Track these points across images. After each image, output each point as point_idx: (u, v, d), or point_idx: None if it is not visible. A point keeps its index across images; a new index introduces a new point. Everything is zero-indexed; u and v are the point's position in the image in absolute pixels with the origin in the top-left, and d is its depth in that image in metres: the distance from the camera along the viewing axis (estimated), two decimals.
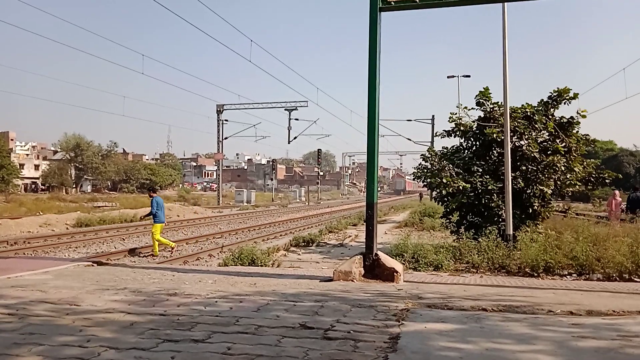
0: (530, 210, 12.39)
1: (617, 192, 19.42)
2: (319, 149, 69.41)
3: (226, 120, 51.02)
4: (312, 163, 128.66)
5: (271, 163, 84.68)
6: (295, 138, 51.91)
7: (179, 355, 3.79)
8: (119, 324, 4.76)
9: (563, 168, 12.26)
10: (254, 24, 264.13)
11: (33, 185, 77.80)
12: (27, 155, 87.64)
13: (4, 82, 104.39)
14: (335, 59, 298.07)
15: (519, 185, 12.06)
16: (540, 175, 12.18)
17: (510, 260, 9.72)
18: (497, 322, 5.01)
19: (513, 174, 11.79)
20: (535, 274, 9.24)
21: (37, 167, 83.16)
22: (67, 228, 22.98)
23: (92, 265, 9.68)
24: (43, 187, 76.85)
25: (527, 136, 12.54)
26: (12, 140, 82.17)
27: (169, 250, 14.75)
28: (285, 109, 48.43)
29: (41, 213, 27.10)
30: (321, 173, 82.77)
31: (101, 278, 7.88)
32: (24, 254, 14.57)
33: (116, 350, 3.89)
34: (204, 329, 4.61)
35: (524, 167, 12.30)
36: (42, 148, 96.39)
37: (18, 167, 69.58)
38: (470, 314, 5.38)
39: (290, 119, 48.76)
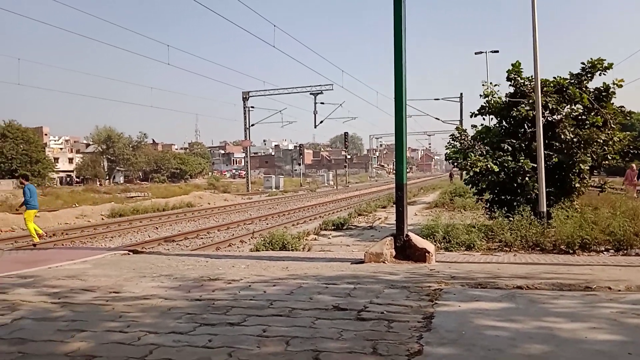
0: (566, 187, 12.12)
1: (633, 165, 19.10)
2: (345, 132, 69.26)
3: (252, 107, 51.33)
4: (339, 147, 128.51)
5: (298, 148, 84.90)
6: (321, 122, 51.87)
7: (216, 338, 3.86)
8: (158, 310, 4.87)
9: (600, 141, 11.92)
10: (276, 9, 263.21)
11: (68, 178, 79.88)
12: (61, 149, 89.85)
13: (37, 78, 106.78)
14: (359, 41, 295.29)
15: (553, 162, 11.78)
16: (577, 151, 11.86)
17: (544, 237, 9.55)
18: (533, 300, 4.94)
19: (547, 151, 11.52)
20: (571, 251, 9.05)
21: (71, 160, 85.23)
22: (102, 219, 23.60)
23: (128, 254, 9.91)
24: (77, 180, 78.89)
25: (560, 111, 12.21)
26: (46, 135, 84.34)
27: (32, 244, 13.36)
28: (310, 93, 48.32)
29: (77, 205, 27.88)
30: (348, 156, 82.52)
31: (138, 266, 8.07)
32: (63, 244, 15.05)
33: (156, 335, 3.99)
34: (239, 312, 4.68)
35: (558, 143, 12.00)
36: (75, 141, 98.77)
37: (53, 161, 71.60)
38: (505, 292, 5.33)
39: (315, 103, 48.65)
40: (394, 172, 8.67)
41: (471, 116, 13.83)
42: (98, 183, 71.87)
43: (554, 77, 12.90)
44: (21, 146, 60.96)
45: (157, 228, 19.62)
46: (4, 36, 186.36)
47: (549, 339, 3.67)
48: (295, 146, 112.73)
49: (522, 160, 11.70)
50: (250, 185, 53.01)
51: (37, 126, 77.79)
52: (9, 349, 3.73)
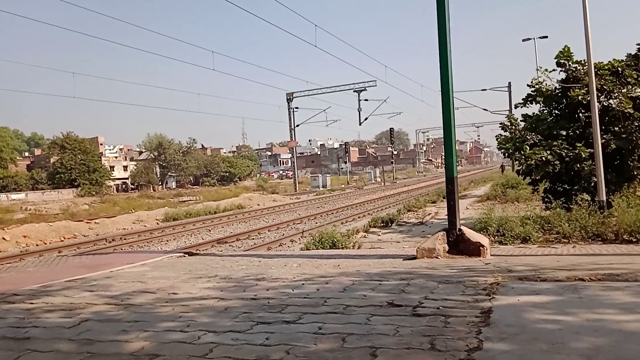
0: (626, 173, 11.58)
1: None
2: (391, 128, 68.70)
3: (296, 107, 51.72)
4: (385, 143, 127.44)
5: (344, 146, 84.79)
6: (366, 119, 51.39)
7: (273, 336, 3.91)
8: (215, 309, 4.98)
9: None
10: (316, 9, 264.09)
11: (123, 185, 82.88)
12: (116, 157, 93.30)
13: (90, 90, 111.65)
14: (402, 35, 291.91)
15: (611, 148, 11.27)
16: (638, 135, 11.30)
17: (605, 227, 9.15)
18: (597, 292, 4.74)
19: (605, 136, 11.03)
20: (635, 240, 8.65)
21: (125, 168, 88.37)
22: (157, 223, 24.36)
23: (184, 256, 10.18)
24: (132, 186, 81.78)
25: (616, 94, 11.66)
26: (101, 144, 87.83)
27: None
28: (354, 91, 48.21)
29: (133, 211, 28.89)
30: (395, 152, 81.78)
31: (193, 267, 8.28)
32: (122, 249, 15.65)
33: (214, 334, 4.08)
34: (294, 310, 4.72)
35: (616, 128, 11.46)
36: (128, 150, 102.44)
37: (109, 169, 74.62)
38: (566, 285, 5.13)
39: (359, 100, 48.49)
40: (443, 166, 8.53)
41: (516, 107, 13.49)
42: (152, 189, 74.26)
43: (609, 61, 12.33)
44: (79, 156, 63.99)
45: (209, 230, 20.07)
46: (61, 53, 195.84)
47: (614, 332, 3.51)
48: (340, 144, 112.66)
49: (578, 147, 11.26)
50: (297, 185, 53.40)
51: (93, 136, 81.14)
52: (78, 349, 3.91)
